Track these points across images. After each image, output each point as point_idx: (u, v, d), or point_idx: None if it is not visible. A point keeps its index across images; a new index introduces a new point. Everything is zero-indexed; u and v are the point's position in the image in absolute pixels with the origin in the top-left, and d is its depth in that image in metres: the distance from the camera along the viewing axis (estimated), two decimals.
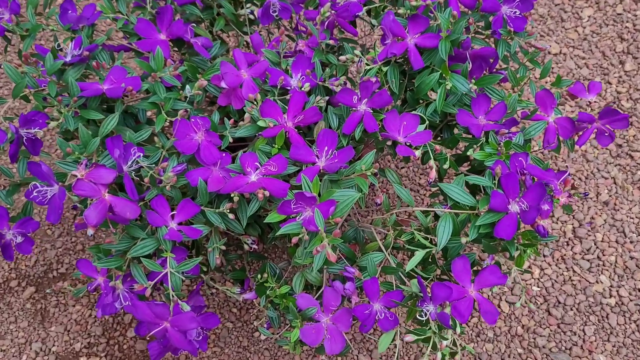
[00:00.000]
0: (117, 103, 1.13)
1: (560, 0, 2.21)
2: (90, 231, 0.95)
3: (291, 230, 0.98)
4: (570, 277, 1.69)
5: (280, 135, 1.11)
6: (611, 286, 1.67)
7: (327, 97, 1.19)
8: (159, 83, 1.17)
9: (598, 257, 1.72)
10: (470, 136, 1.23)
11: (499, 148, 1.11)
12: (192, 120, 1.12)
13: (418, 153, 1.15)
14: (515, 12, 1.21)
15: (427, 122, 1.20)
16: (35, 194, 0.97)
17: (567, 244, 1.74)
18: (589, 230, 1.76)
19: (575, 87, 1.23)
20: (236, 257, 1.37)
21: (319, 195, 1.00)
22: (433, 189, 1.75)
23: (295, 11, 1.36)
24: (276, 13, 1.30)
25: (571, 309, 1.65)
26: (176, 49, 1.31)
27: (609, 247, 1.73)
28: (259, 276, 1.24)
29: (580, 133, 1.21)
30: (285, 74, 1.23)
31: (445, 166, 1.20)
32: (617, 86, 2.02)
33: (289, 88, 1.22)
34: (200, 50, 1.26)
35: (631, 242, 1.73)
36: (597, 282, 1.68)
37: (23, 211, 1.26)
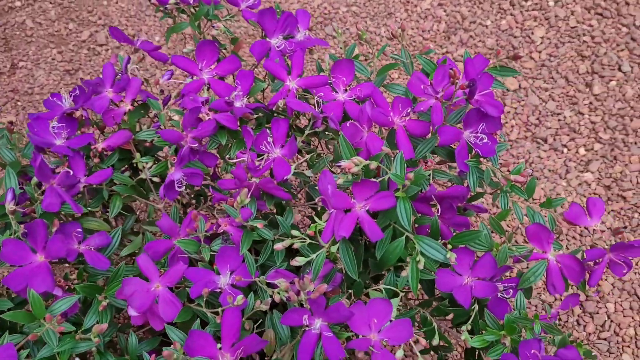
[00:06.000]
0: None
1: (507, 25, 1.96)
2: None
3: None
4: None
5: None
6: None
7: (269, 299, 0.91)
8: (49, 331, 0.88)
9: (615, 332, 1.50)
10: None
11: (502, 336, 0.85)
12: None
13: (400, 354, 0.88)
14: (482, 137, 0.95)
15: (401, 294, 0.94)
16: None
17: (578, 324, 1.51)
18: (598, 302, 1.53)
19: (571, 212, 0.98)
20: None
21: None
22: None
23: (207, 165, 1.07)
24: (182, 188, 1.01)
25: None
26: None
27: (624, 316, 1.51)
28: None
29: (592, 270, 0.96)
30: (211, 272, 0.95)
31: (435, 342, 0.96)
32: (589, 115, 1.79)
33: (218, 290, 0.95)
34: (95, 262, 0.96)
35: None
36: None
37: None
